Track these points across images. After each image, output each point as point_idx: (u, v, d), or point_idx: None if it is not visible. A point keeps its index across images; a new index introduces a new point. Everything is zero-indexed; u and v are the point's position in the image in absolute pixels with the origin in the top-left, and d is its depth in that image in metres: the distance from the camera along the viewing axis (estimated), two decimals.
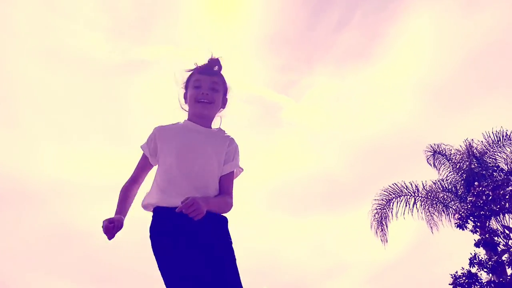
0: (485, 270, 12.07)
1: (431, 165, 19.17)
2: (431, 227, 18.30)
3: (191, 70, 2.38)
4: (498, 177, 12.81)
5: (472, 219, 12.87)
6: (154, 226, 2.11)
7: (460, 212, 13.52)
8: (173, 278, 1.92)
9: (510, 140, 16.57)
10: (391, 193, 18.92)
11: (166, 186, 2.15)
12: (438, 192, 18.49)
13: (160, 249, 2.02)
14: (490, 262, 11.92)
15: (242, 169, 2.34)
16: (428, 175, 20.32)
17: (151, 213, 2.17)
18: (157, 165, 2.31)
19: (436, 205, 18.33)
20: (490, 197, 11.97)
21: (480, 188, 12.66)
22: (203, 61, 2.34)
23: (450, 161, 18.47)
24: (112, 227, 2.03)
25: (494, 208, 12.00)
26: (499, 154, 16.91)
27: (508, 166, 15.58)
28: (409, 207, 18.74)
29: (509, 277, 11.66)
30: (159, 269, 1.99)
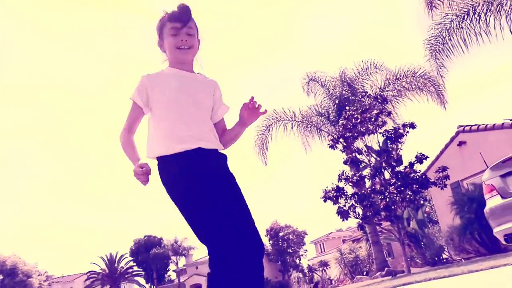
0: (350, 184, 13.61)
1: (306, 93, 20.32)
2: (305, 148, 19.87)
3: (162, 18, 2.38)
4: (366, 102, 14.09)
5: (342, 140, 14.18)
6: (167, 171, 2.14)
7: (333, 134, 14.77)
8: (197, 210, 2.02)
9: (377, 68, 18.26)
10: (271, 119, 19.86)
11: (169, 134, 2.16)
12: (313, 116, 19.90)
13: (179, 187, 2.08)
14: (354, 177, 13.43)
15: (229, 107, 2.45)
16: (308, 101, 21.47)
17: (156, 162, 2.20)
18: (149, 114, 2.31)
19: (311, 128, 19.79)
20: (359, 120, 13.20)
21: (350, 112, 13.86)
22: (172, 8, 2.35)
23: (324, 88, 19.78)
24: (146, 171, 2.05)
25: (361, 130, 13.31)
26: (367, 81, 18.60)
27: (374, 92, 17.28)
28: (287, 131, 19.97)
29: (369, 189, 13.35)
30: (182, 209, 2.07)
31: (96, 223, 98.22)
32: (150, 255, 53.97)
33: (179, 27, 2.28)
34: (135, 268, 57.30)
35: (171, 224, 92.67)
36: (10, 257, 30.63)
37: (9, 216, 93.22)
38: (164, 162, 2.15)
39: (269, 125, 19.60)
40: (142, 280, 58.35)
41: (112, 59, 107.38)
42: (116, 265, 55.99)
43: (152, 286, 57.28)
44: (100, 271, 55.34)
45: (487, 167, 5.32)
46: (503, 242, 4.71)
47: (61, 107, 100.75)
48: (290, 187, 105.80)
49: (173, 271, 57.73)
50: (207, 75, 2.47)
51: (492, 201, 4.78)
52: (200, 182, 2.05)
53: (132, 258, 56.94)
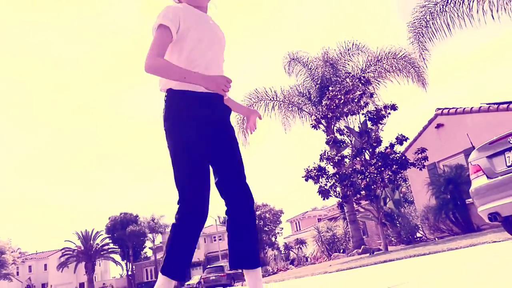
0: (331, 164, 13.79)
1: (287, 73, 20.26)
2: (285, 128, 19.95)
3: None
4: (349, 83, 14.18)
5: (324, 121, 14.30)
6: (174, 105, 2.12)
7: (316, 114, 14.85)
8: (181, 162, 2.06)
9: (359, 49, 18.33)
10: (252, 98, 19.79)
11: (189, 68, 2.09)
12: (294, 96, 19.93)
13: (176, 130, 2.08)
14: (336, 157, 13.61)
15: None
16: (290, 81, 21.45)
17: (165, 95, 2.18)
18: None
19: (292, 109, 19.84)
20: (342, 101, 13.30)
21: (334, 93, 13.94)
22: None
23: (306, 68, 19.76)
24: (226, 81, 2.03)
25: (344, 110, 13.43)
26: (349, 62, 18.67)
27: (356, 73, 17.39)
28: (268, 110, 19.95)
29: (350, 169, 13.56)
30: (171, 150, 2.10)
31: (70, 201, 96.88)
32: (126, 232, 53.84)
33: None
34: (111, 245, 57.14)
35: (147, 202, 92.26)
36: None
37: None
38: (174, 96, 2.12)
39: (250, 105, 19.54)
40: (118, 257, 58.32)
41: (87, 33, 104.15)
42: (91, 242, 55.67)
43: (128, 263, 57.28)
44: (76, 248, 54.96)
45: (474, 148, 5.46)
46: (487, 221, 4.88)
47: (33, 81, 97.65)
48: (268, 167, 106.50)
49: (150, 248, 57.84)
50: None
51: (478, 181, 4.92)
52: (197, 128, 2.08)
53: (108, 235, 56.71)
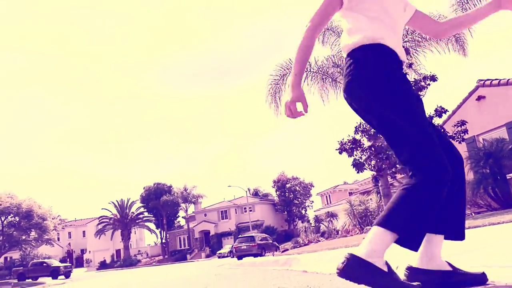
0: (367, 136, 13.53)
1: (320, 41, 19.73)
2: (323, 100, 19.63)
3: None
4: None
5: None
6: (374, 62, 1.80)
7: None
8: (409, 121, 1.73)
9: None
10: (285, 68, 19.46)
11: (378, 23, 1.86)
12: (329, 67, 19.47)
13: (397, 86, 1.76)
14: (371, 130, 13.33)
15: None
16: (324, 52, 20.96)
17: (352, 56, 1.88)
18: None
19: (326, 80, 19.44)
20: None
21: None
22: None
23: (340, 37, 19.20)
24: (298, 112, 1.81)
25: None
26: None
27: None
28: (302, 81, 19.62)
29: (385, 142, 13.27)
30: (387, 108, 1.75)
31: (107, 171, 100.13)
32: (160, 202, 55.31)
33: None
34: (146, 214, 58.97)
35: (180, 173, 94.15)
36: (25, 200, 31.43)
37: (25, 162, 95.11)
38: (369, 51, 1.81)
39: (283, 75, 19.26)
40: (152, 226, 60.23)
41: (126, 6, 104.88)
42: (127, 210, 57.62)
43: (162, 231, 59.10)
44: (112, 216, 57.03)
45: None
46: None
47: (76, 55, 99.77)
48: (299, 139, 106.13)
49: (183, 217, 59.36)
50: None
51: None
52: (411, 91, 1.80)
53: (142, 205, 58.46)
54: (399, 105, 1.74)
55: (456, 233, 1.95)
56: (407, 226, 1.72)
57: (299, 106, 1.80)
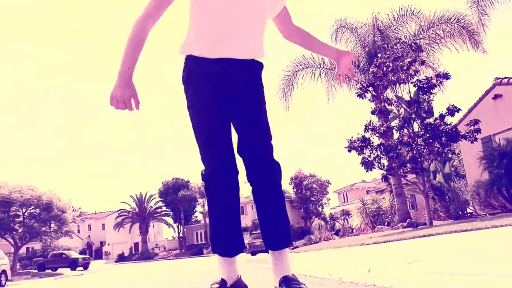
0: (377, 135, 13.35)
1: (333, 41, 19.54)
2: (328, 97, 19.47)
3: None
4: (399, 49, 13.47)
5: (371, 89, 13.76)
6: (184, 72, 1.97)
7: (362, 83, 14.34)
8: (197, 125, 1.92)
9: (414, 15, 17.29)
10: (299, 64, 19.37)
11: (197, 33, 1.88)
12: None
13: (191, 95, 1.93)
14: (382, 128, 13.15)
15: None
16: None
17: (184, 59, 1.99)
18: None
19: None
20: (390, 68, 12.70)
21: (382, 60, 13.32)
22: None
23: (355, 34, 18.99)
24: (121, 104, 1.78)
25: (392, 78, 12.84)
26: (401, 28, 17.70)
27: (408, 39, 16.48)
28: (314, 78, 19.50)
29: (396, 140, 13.08)
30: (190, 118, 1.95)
31: (127, 165, 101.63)
32: (178, 196, 55.84)
33: None
34: (164, 208, 59.61)
35: (198, 168, 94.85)
36: (45, 193, 32.14)
37: (46, 155, 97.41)
38: (186, 62, 1.95)
39: (296, 71, 19.19)
40: (170, 220, 60.89)
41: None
42: (145, 204, 58.38)
43: (179, 225, 59.72)
44: (130, 209, 57.89)
45: None
46: None
47: (101, 48, 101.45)
48: (316, 136, 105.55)
49: (200, 212, 59.83)
50: None
51: None
52: (207, 97, 1.88)
53: (160, 199, 59.12)
54: (190, 113, 1.93)
55: (271, 242, 1.93)
56: (212, 234, 1.90)
57: (132, 102, 1.80)
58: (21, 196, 30.20)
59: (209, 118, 1.88)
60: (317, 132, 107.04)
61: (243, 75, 1.94)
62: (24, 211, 31.48)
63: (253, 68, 1.97)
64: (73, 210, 34.84)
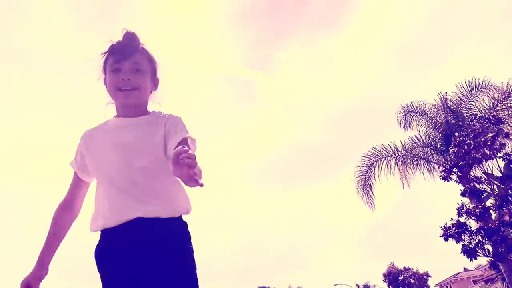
0: (473, 218, 12.18)
1: (401, 126, 19.15)
2: (405, 185, 18.47)
3: (106, 51, 1.84)
4: (477, 125, 12.80)
5: (456, 170, 12.94)
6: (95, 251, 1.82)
7: (444, 164, 13.56)
8: None
9: (483, 88, 16.68)
10: (371, 157, 18.98)
11: (95, 208, 1.79)
12: (417, 148, 18.63)
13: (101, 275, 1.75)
14: (477, 210, 12.02)
15: (194, 139, 1.76)
16: (405, 136, 20.33)
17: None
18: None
19: (418, 161, 18.48)
20: (472, 146, 11.99)
21: (461, 138, 12.68)
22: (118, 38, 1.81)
23: (425, 117, 18.54)
24: None
25: (476, 156, 12.05)
26: (473, 103, 17.05)
27: (484, 113, 15.71)
28: (390, 168, 18.86)
29: (496, 222, 11.81)
30: None
31: None
32: None
33: (121, 61, 1.76)
34: None
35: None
36: None
37: None
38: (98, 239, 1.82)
39: (370, 164, 18.73)
40: None
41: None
42: None
43: None
44: None
45: None
46: None
47: None
48: (404, 227, 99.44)
49: None
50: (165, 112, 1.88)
51: None
52: (106, 273, 1.70)
53: None
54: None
55: None
56: None
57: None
58: None
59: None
60: (402, 222, 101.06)
61: (146, 240, 1.78)
62: None
63: (157, 228, 1.79)
64: None
